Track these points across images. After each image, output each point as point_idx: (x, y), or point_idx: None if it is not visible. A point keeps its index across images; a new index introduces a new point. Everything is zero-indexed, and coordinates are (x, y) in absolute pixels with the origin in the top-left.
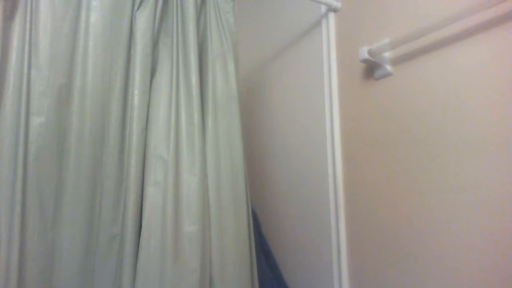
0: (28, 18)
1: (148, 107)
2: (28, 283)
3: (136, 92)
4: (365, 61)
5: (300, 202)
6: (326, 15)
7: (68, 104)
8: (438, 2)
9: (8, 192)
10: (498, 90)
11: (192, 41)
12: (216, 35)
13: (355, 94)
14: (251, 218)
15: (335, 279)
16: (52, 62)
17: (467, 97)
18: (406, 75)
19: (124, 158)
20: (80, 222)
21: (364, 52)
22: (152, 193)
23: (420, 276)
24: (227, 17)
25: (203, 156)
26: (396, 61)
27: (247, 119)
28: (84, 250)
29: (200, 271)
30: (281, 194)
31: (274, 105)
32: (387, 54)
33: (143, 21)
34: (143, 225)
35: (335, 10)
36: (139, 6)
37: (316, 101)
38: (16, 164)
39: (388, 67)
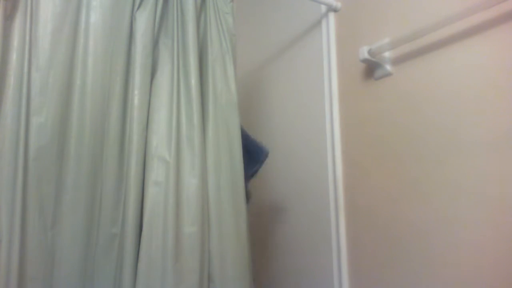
0: (28, 18)
1: (149, 108)
2: (28, 282)
3: (136, 92)
4: (365, 61)
5: (300, 202)
6: (326, 15)
7: (68, 104)
8: (438, 2)
9: (9, 192)
10: (498, 90)
11: (191, 42)
12: (215, 36)
13: (355, 94)
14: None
15: (335, 279)
16: (52, 62)
17: (467, 96)
18: (406, 75)
19: (124, 158)
20: (80, 221)
21: (364, 52)
22: (154, 193)
23: (421, 276)
24: (226, 18)
25: (203, 158)
26: (396, 61)
27: (246, 120)
28: (84, 250)
29: (199, 271)
30: (281, 194)
31: (273, 106)
32: (387, 54)
33: (143, 21)
34: (144, 224)
35: (335, 10)
36: (139, 6)
37: (316, 101)
38: (16, 164)
39: (388, 67)
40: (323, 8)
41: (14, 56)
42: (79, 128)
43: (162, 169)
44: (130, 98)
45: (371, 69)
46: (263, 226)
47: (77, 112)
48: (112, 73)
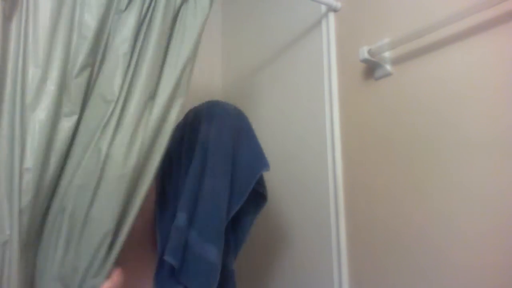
0: (23, 18)
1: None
2: None
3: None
4: (365, 61)
5: (300, 202)
6: (326, 15)
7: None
8: (438, 2)
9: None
10: (498, 90)
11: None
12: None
13: (355, 94)
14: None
15: (335, 279)
16: (50, 60)
17: (467, 96)
18: (406, 75)
19: None
20: None
21: (364, 52)
22: None
23: (421, 276)
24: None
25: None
26: (396, 61)
27: None
28: None
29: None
30: (281, 194)
31: (273, 106)
32: (387, 54)
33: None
34: None
35: (335, 10)
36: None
37: (316, 101)
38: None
39: (388, 67)
40: (323, 8)
41: (13, 55)
42: None
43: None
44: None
45: (371, 69)
46: (263, 226)
47: None
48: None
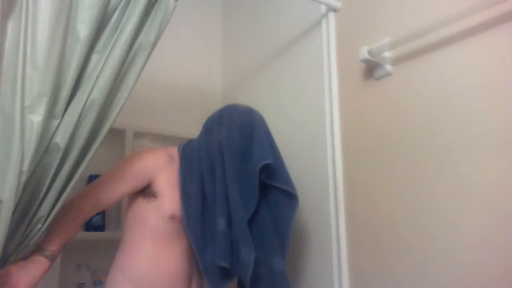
0: (24, 17)
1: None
2: None
3: None
4: (365, 61)
5: (300, 203)
6: (326, 15)
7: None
8: (438, 2)
9: None
10: (498, 89)
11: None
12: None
13: (355, 94)
14: None
15: (335, 279)
16: (49, 60)
17: (467, 96)
18: (406, 74)
19: None
20: None
21: (364, 52)
22: None
23: (421, 277)
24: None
25: None
26: (396, 61)
27: None
28: None
29: None
30: None
31: (273, 106)
32: (387, 54)
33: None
34: None
35: (335, 10)
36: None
37: (316, 101)
38: None
39: (388, 67)
40: (323, 8)
41: (11, 54)
42: None
43: None
44: None
45: (371, 69)
46: None
47: None
48: None
